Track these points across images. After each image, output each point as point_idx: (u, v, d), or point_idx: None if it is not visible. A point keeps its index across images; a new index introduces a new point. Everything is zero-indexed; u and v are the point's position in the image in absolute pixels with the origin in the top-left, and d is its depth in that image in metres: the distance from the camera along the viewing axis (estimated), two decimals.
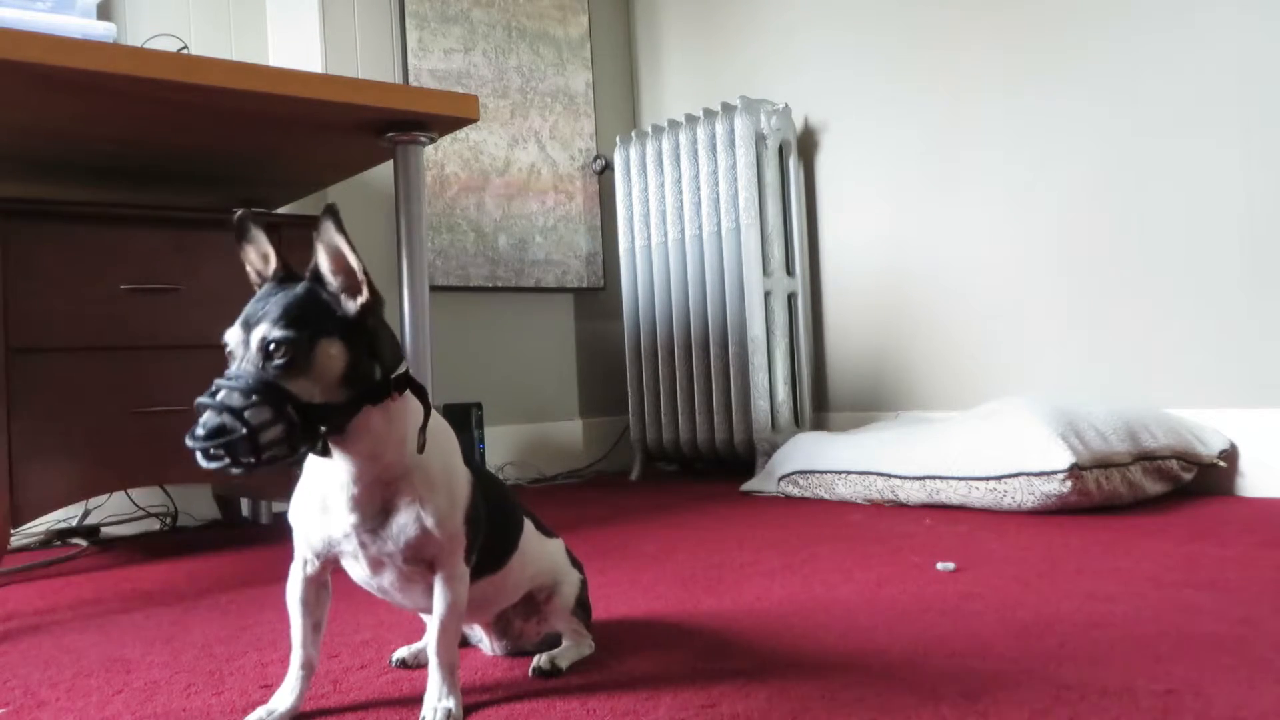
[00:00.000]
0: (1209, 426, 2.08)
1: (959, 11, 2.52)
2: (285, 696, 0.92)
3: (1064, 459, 1.85)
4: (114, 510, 2.32)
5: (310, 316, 0.82)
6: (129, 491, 2.31)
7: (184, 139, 1.92)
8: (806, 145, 2.89)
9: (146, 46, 2.08)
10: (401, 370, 0.88)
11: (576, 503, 2.52)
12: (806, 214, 2.89)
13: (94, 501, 2.29)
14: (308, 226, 2.11)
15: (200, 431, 0.77)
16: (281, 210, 2.52)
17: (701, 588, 1.41)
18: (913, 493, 2.10)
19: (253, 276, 0.90)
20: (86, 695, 1.04)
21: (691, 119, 2.87)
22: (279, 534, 2.12)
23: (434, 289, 2.88)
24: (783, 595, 1.35)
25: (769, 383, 2.72)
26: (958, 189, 2.55)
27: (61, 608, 1.50)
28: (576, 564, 1.12)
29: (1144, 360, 2.21)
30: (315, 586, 0.93)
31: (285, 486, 1.99)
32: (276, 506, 2.38)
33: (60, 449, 1.84)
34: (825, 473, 2.28)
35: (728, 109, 2.76)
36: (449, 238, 2.97)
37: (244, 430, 0.76)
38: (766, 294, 2.73)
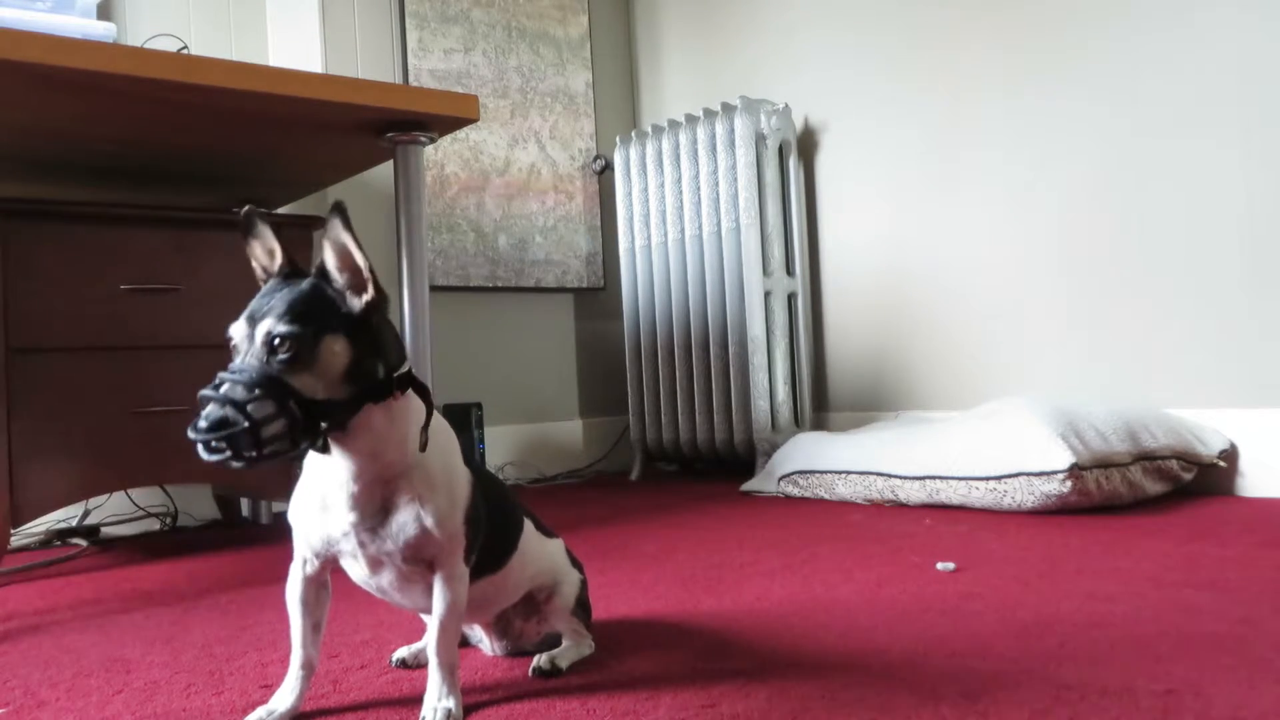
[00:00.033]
0: (1209, 426, 2.08)
1: (959, 11, 2.52)
2: (285, 696, 0.92)
3: (1064, 459, 1.85)
4: (114, 510, 2.32)
5: (315, 312, 0.82)
6: (129, 491, 2.31)
7: (184, 139, 1.92)
8: (806, 145, 2.89)
9: (146, 46, 2.08)
10: (404, 369, 0.88)
11: (576, 503, 2.52)
12: (806, 214, 2.89)
13: (94, 501, 2.29)
14: (308, 226, 2.13)
15: (202, 424, 0.77)
16: (281, 210, 2.52)
17: (701, 588, 1.41)
18: (913, 493, 2.10)
19: (258, 272, 0.90)
20: (86, 695, 1.04)
21: (691, 119, 2.87)
22: (279, 534, 2.12)
23: (434, 289, 2.88)
24: (783, 595, 1.35)
25: (769, 383, 2.72)
26: (958, 189, 2.55)
27: (61, 608, 1.50)
28: (576, 564, 1.12)
29: (1144, 360, 2.21)
30: (315, 586, 0.93)
31: (285, 486, 1.99)
32: (276, 506, 2.38)
33: (60, 449, 1.84)
34: (825, 473, 2.28)
35: (728, 109, 2.76)
36: (449, 238, 2.97)
37: (246, 424, 0.77)
38: (766, 294, 2.73)
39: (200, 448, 0.78)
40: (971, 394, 2.51)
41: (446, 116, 1.86)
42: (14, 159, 2.02)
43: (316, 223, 2.14)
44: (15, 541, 2.11)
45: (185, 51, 2.36)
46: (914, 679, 0.95)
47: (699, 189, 2.84)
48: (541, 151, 3.19)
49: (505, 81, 3.12)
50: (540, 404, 3.20)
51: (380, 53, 2.88)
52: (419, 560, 0.89)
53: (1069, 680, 0.93)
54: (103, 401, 1.89)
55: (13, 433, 1.78)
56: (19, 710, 1.00)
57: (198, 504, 2.45)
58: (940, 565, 1.47)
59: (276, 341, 0.80)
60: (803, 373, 2.81)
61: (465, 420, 2.69)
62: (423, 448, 0.88)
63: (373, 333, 0.85)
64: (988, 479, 1.96)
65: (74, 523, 2.27)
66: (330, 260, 0.85)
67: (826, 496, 2.28)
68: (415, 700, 0.95)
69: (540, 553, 1.07)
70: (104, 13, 2.39)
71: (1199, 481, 2.05)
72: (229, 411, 0.77)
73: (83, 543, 2.15)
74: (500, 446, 3.05)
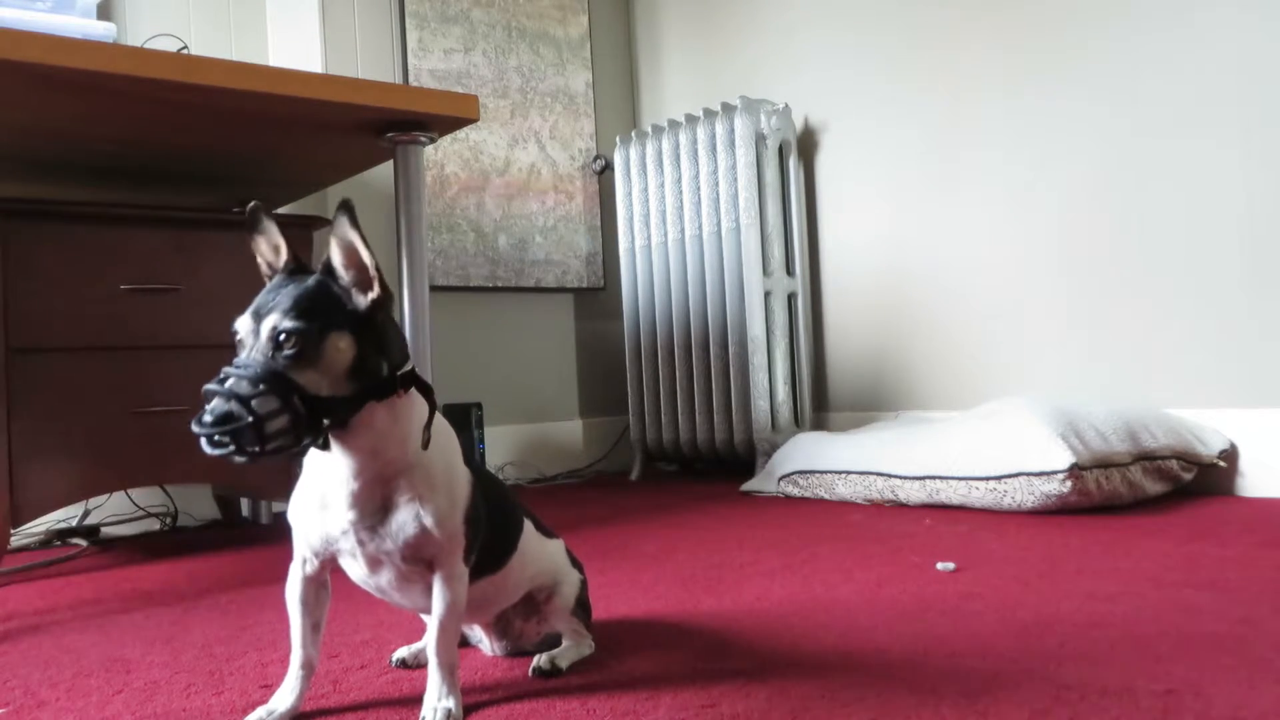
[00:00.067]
0: (1209, 426, 2.08)
1: (959, 11, 2.52)
2: (285, 696, 0.92)
3: (1064, 459, 1.85)
4: (114, 510, 2.32)
5: (321, 309, 0.82)
6: (129, 491, 2.31)
7: (184, 139, 1.92)
8: (806, 145, 2.89)
9: (146, 46, 2.08)
10: (408, 368, 0.88)
11: (576, 503, 2.52)
12: (806, 214, 2.89)
13: (94, 501, 2.29)
14: (308, 226, 2.13)
15: (207, 418, 0.77)
16: (282, 210, 2.52)
17: (701, 588, 1.41)
18: (913, 493, 2.10)
19: (263, 268, 0.90)
20: (86, 695, 1.04)
21: (691, 119, 2.87)
22: (279, 534, 2.12)
23: (434, 289, 2.88)
24: (783, 595, 1.35)
25: (769, 383, 2.72)
26: (958, 189, 2.55)
27: (61, 608, 1.50)
28: (576, 564, 1.12)
29: (1144, 360, 2.21)
30: (315, 586, 0.93)
31: (285, 486, 1.99)
32: (276, 506, 2.38)
33: (60, 449, 1.84)
34: (825, 473, 2.28)
35: (728, 109, 2.76)
36: (449, 238, 2.97)
37: (250, 419, 0.77)
38: (766, 294, 2.73)
39: (204, 442, 0.78)
40: (971, 394, 2.51)
41: (446, 116, 1.86)
42: (14, 159, 2.02)
43: (317, 223, 2.14)
44: (15, 541, 2.11)
45: (185, 51, 2.36)
46: (914, 679, 0.95)
47: (699, 189, 2.84)
48: (541, 151, 3.19)
49: (505, 81, 3.12)
50: (540, 404, 3.20)
51: (380, 53, 2.89)
52: (418, 560, 0.89)
53: (1069, 680, 0.93)
54: (103, 401, 1.89)
55: (13, 433, 1.78)
56: (19, 710, 1.00)
57: (198, 504, 2.45)
58: (940, 565, 1.47)
59: (282, 337, 0.80)
60: (803, 373, 2.81)
61: (465, 420, 2.69)
62: (425, 445, 0.88)
63: (377, 330, 0.86)
64: (988, 479, 1.96)
65: (74, 523, 2.27)
66: (336, 257, 0.85)
67: (826, 496, 2.28)
68: (415, 700, 0.95)
69: (540, 553, 1.07)
70: (104, 13, 2.39)
71: (1199, 481, 2.05)
72: (233, 406, 0.77)
73: (83, 543, 2.15)
74: (500, 446, 3.05)
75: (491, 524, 0.96)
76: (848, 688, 0.93)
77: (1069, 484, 1.85)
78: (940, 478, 2.04)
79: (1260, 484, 2.03)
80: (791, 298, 2.81)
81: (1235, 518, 1.79)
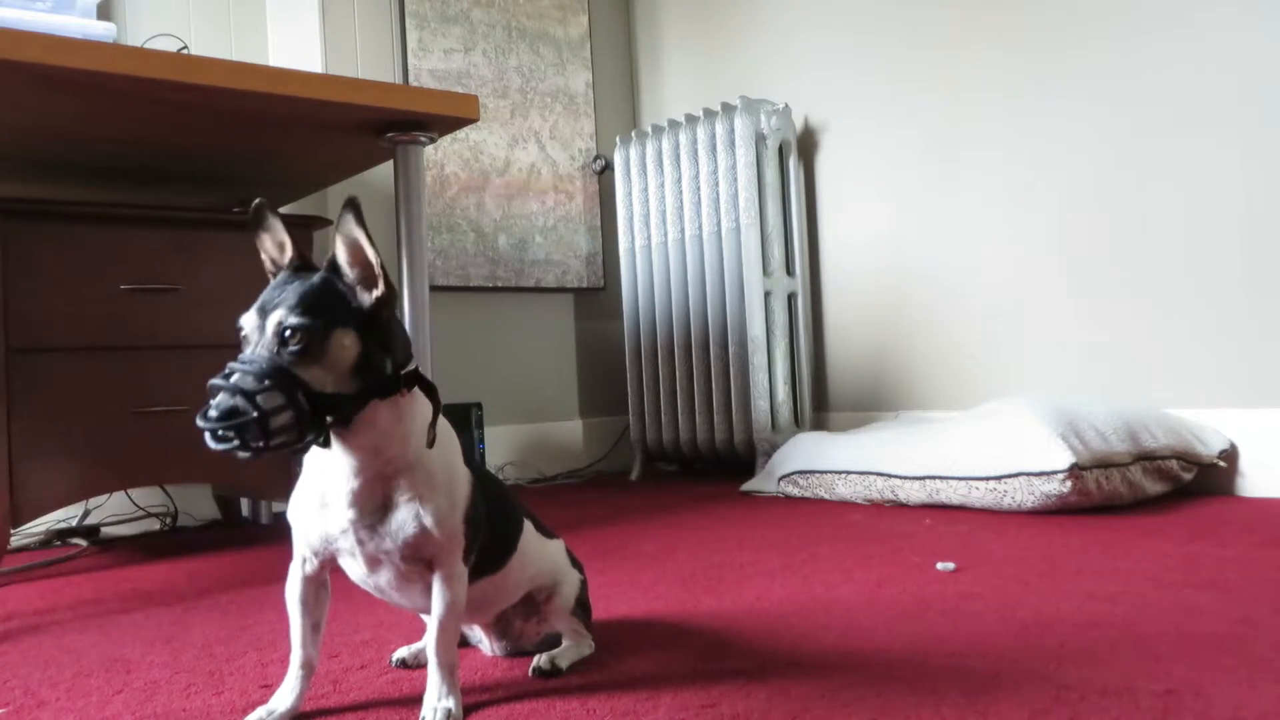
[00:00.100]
0: (1209, 426, 2.08)
1: (959, 11, 2.52)
2: (285, 696, 0.92)
3: (1064, 459, 1.85)
4: (114, 510, 2.32)
5: (326, 305, 0.83)
6: (129, 491, 2.31)
7: (184, 139, 1.92)
8: (806, 145, 2.89)
9: (146, 46, 2.08)
10: (411, 367, 0.88)
11: (576, 503, 2.52)
12: (806, 214, 2.89)
13: (94, 501, 2.29)
14: (308, 226, 2.13)
15: (212, 413, 0.77)
16: (282, 210, 2.52)
17: (701, 588, 1.41)
18: (913, 493, 2.10)
19: (268, 265, 0.90)
20: (86, 695, 1.04)
21: (691, 119, 2.87)
22: (279, 534, 2.12)
23: (434, 289, 2.88)
24: (783, 595, 1.34)
25: (769, 383, 2.72)
26: (958, 189, 2.55)
27: (61, 608, 1.50)
28: (576, 564, 1.12)
29: (1144, 360, 2.21)
30: (314, 586, 0.93)
31: (285, 486, 1.99)
32: (276, 506, 2.38)
33: (60, 449, 1.84)
34: (825, 473, 2.28)
35: (728, 109, 2.76)
36: (449, 238, 2.97)
37: (255, 414, 0.77)
38: (766, 294, 2.73)
39: (208, 436, 0.78)
40: (971, 394, 2.51)
41: (446, 116, 1.86)
42: (14, 159, 2.02)
43: (316, 223, 2.14)
44: (15, 541, 2.11)
45: (185, 51, 2.36)
46: (914, 679, 0.95)
47: (699, 189, 2.84)
48: (541, 151, 3.19)
49: (505, 81, 3.12)
50: (540, 404, 3.20)
51: (380, 53, 2.88)
52: (417, 559, 0.89)
53: (1069, 680, 0.93)
54: (103, 401, 1.89)
55: (13, 433, 1.78)
56: (19, 710, 1.00)
57: (198, 504, 2.45)
58: (940, 565, 1.47)
59: (287, 333, 0.80)
60: (803, 373, 2.81)
61: (465, 420, 2.69)
62: (431, 444, 0.88)
63: (382, 328, 0.86)
64: (988, 479, 1.96)
65: (74, 523, 2.27)
66: (342, 255, 0.86)
67: (826, 496, 2.28)
68: (415, 700, 0.95)
69: (540, 553, 1.07)
70: (104, 13, 2.39)
71: (1199, 481, 2.05)
72: (239, 401, 0.77)
73: (83, 543, 2.15)
74: (500, 446, 3.05)
75: (491, 524, 0.96)
76: (848, 688, 0.93)
77: (1069, 484, 1.85)
78: (940, 478, 2.04)
79: (1260, 484, 2.03)
80: (791, 298, 2.81)
81: (1235, 518, 1.79)
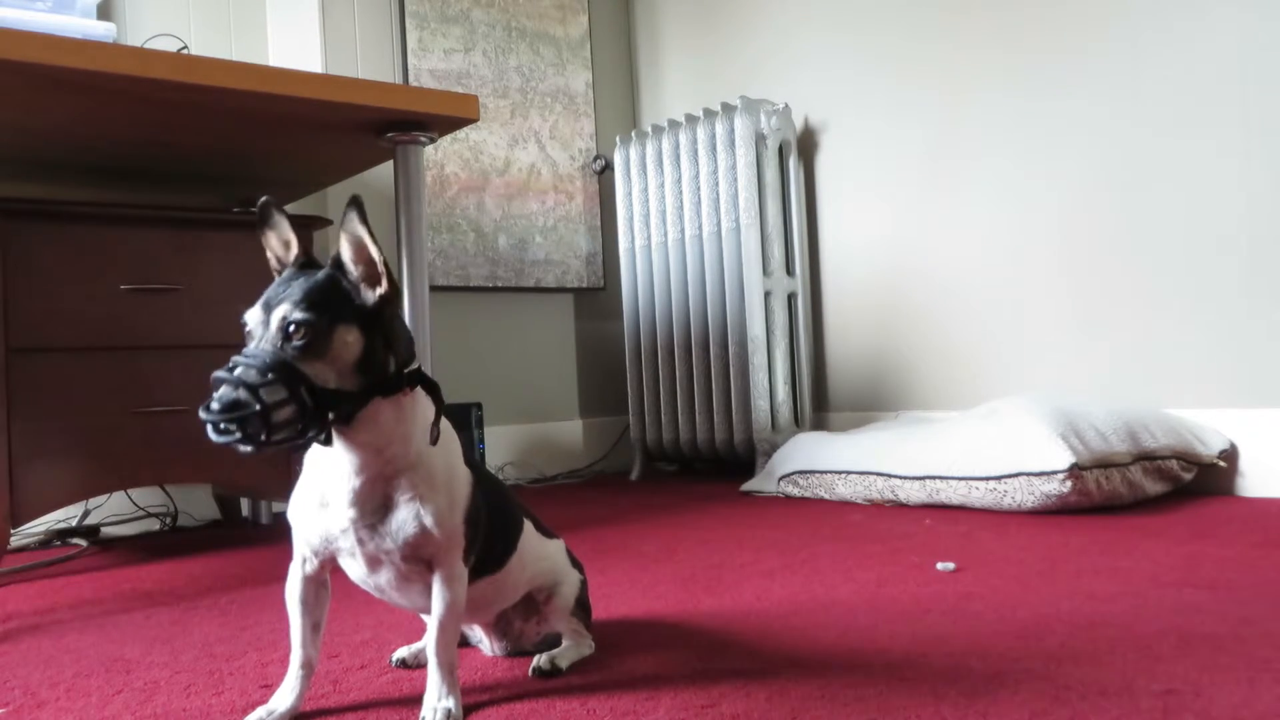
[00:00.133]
0: (1209, 426, 2.08)
1: (959, 11, 2.52)
2: (285, 696, 0.92)
3: (1064, 459, 1.85)
4: (114, 510, 2.32)
5: (330, 302, 0.83)
6: (129, 491, 2.31)
7: (184, 139, 1.92)
8: (806, 145, 2.89)
9: (146, 46, 2.08)
10: (414, 366, 0.89)
11: (576, 503, 2.52)
12: (806, 214, 2.89)
13: (94, 501, 2.29)
14: (308, 226, 2.12)
15: (215, 405, 0.77)
16: None
17: (701, 588, 1.41)
18: (913, 493, 2.10)
19: (273, 263, 0.91)
20: (86, 695, 1.04)
21: (691, 119, 2.87)
22: (279, 534, 2.12)
23: (434, 289, 2.88)
24: (783, 595, 1.34)
25: (769, 383, 2.72)
26: (958, 189, 2.55)
27: (61, 608, 1.50)
28: (576, 564, 1.12)
29: (1144, 360, 2.21)
30: (314, 586, 0.93)
31: (285, 486, 1.99)
32: (276, 506, 2.38)
33: (60, 449, 1.84)
34: (825, 473, 2.28)
35: (728, 109, 2.76)
36: (449, 238, 2.97)
37: (258, 407, 0.77)
38: (766, 294, 2.73)
39: (209, 429, 0.78)
40: (971, 394, 2.51)
41: (446, 116, 1.86)
42: (14, 159, 2.02)
43: (317, 223, 2.14)
44: (15, 541, 2.11)
45: (185, 51, 2.36)
46: (914, 679, 0.95)
47: (699, 189, 2.84)
48: (541, 151, 3.19)
49: (505, 81, 3.12)
50: (540, 404, 3.20)
51: (380, 53, 2.88)
52: (418, 559, 0.89)
53: (1069, 680, 0.93)
54: (103, 401, 1.89)
55: (13, 433, 1.78)
56: (19, 710, 1.00)
57: (198, 504, 2.45)
58: (940, 565, 1.47)
59: (291, 328, 0.81)
60: (803, 373, 2.81)
61: (465, 420, 2.69)
62: (434, 441, 0.88)
63: (385, 326, 0.86)
64: (988, 479, 1.96)
65: (74, 523, 2.27)
66: (346, 253, 0.86)
67: (826, 496, 2.28)
68: (415, 700, 0.95)
69: (540, 553, 1.07)
70: (104, 13, 2.39)
71: (1199, 481, 2.05)
72: (241, 394, 0.77)
73: (83, 543, 2.15)
74: (500, 446, 3.05)
75: (491, 524, 0.96)
76: (848, 688, 0.93)
77: (1069, 484, 1.85)
78: (940, 478, 2.04)
79: (1260, 484, 2.03)
80: (791, 298, 2.81)
81: (1235, 518, 1.79)
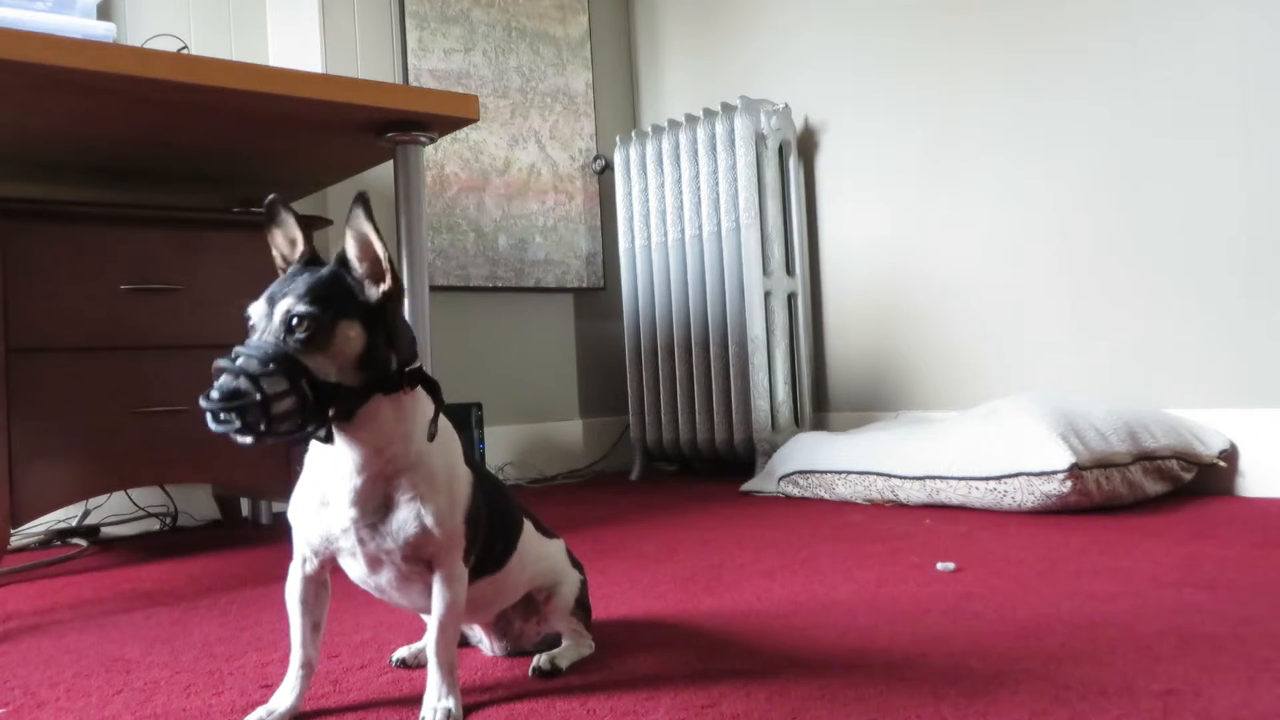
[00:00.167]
0: (1209, 426, 2.08)
1: (959, 12, 2.52)
2: (285, 696, 0.92)
3: (1064, 459, 1.85)
4: (114, 510, 2.32)
5: (334, 297, 0.83)
6: (129, 491, 2.31)
7: (184, 139, 1.92)
8: (806, 145, 2.89)
9: (146, 46, 2.08)
10: (415, 365, 0.89)
11: (576, 503, 2.52)
12: (806, 214, 2.89)
13: (94, 501, 2.29)
14: (308, 226, 2.12)
15: (215, 394, 0.77)
16: None
17: (701, 588, 1.41)
18: (913, 493, 2.10)
19: (278, 261, 0.91)
20: (86, 695, 1.04)
21: (691, 119, 2.87)
22: (279, 534, 2.12)
23: (434, 289, 2.88)
24: (783, 595, 1.34)
25: (769, 383, 2.72)
26: (958, 189, 2.55)
27: (61, 608, 1.50)
28: (576, 564, 1.12)
29: (1144, 360, 2.21)
30: (314, 586, 0.93)
31: (285, 486, 1.99)
32: (276, 506, 2.38)
33: (60, 449, 1.84)
34: (825, 473, 2.28)
35: (728, 109, 2.76)
36: (449, 238, 2.97)
37: (258, 397, 0.77)
38: (766, 294, 2.73)
39: (209, 417, 0.78)
40: (971, 394, 2.51)
41: (446, 116, 1.86)
42: (14, 159, 2.02)
43: (317, 223, 2.14)
44: (15, 541, 2.11)
45: (185, 51, 2.36)
46: (914, 679, 0.95)
47: (699, 189, 2.84)
48: (541, 151, 3.19)
49: (505, 81, 3.12)
50: (540, 404, 3.20)
51: (380, 53, 2.88)
52: (418, 559, 0.89)
53: (1069, 680, 0.93)
54: (103, 401, 1.89)
55: (13, 433, 1.78)
56: (19, 710, 1.00)
57: (198, 504, 2.45)
58: (940, 565, 1.47)
59: (295, 321, 0.81)
60: (803, 373, 2.81)
61: (465, 420, 2.69)
62: (432, 438, 0.88)
63: (388, 323, 0.87)
64: (988, 479, 1.96)
65: (74, 523, 2.27)
66: (351, 249, 0.87)
67: (826, 496, 2.28)
68: (415, 700, 0.95)
69: (540, 553, 1.07)
70: (104, 13, 2.39)
71: (1199, 481, 2.05)
72: (242, 383, 0.77)
73: (83, 543, 2.15)
74: (500, 446, 3.05)
75: (491, 524, 0.96)
76: (848, 688, 0.93)
77: (1069, 484, 1.85)
78: (940, 478, 2.04)
79: (1260, 484, 2.03)
80: (791, 298, 2.81)
81: (1235, 518, 1.79)
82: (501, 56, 3.12)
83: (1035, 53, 2.37)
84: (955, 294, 2.56)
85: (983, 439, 2.01)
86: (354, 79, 1.81)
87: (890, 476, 2.13)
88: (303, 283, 0.83)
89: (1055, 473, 1.86)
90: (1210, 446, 2.03)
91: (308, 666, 0.93)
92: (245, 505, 2.45)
